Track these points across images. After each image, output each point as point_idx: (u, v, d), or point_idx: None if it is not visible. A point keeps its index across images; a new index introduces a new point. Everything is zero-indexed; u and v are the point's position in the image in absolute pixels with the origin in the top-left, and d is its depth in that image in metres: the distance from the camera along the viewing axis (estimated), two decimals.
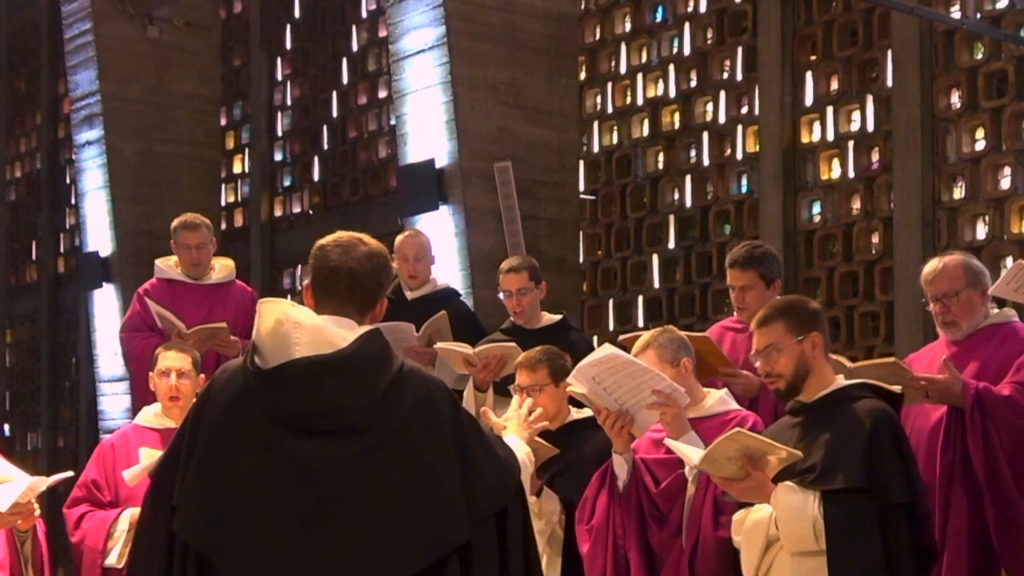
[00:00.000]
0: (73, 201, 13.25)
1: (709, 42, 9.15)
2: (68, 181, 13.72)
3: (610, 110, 9.67)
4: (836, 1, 8.59)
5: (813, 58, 8.62)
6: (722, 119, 9.06)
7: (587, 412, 5.46)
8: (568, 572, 5.25)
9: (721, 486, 4.41)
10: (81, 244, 12.39)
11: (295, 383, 3.12)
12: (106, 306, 11.85)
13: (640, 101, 9.52)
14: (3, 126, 15.04)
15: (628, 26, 9.64)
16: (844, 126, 8.46)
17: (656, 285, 9.31)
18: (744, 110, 8.97)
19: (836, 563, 4.09)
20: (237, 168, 12.39)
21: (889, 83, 8.18)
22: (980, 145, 7.86)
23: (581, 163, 9.57)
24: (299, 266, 11.61)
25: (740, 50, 8.99)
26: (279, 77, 11.94)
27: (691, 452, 4.41)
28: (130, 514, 5.75)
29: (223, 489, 3.11)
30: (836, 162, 8.53)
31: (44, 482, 5.35)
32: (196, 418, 3.21)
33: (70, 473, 5.80)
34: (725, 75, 9.11)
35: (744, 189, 8.98)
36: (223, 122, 12.46)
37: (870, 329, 8.20)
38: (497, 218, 8.71)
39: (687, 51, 9.29)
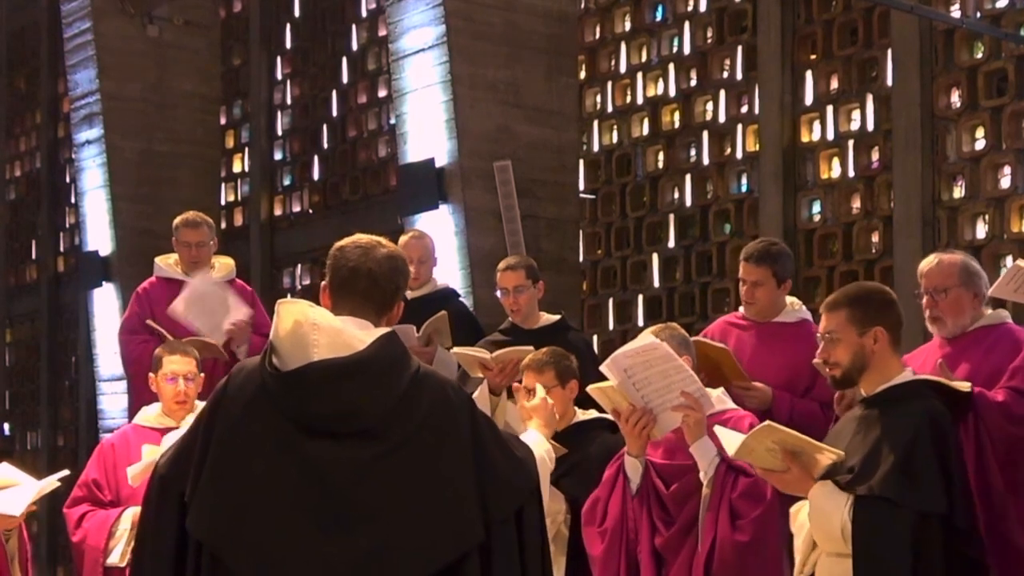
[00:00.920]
0: (73, 200, 13.25)
1: (709, 41, 9.16)
2: (68, 180, 13.73)
3: (610, 109, 9.67)
4: (836, 0, 8.59)
5: (813, 57, 8.62)
6: (722, 118, 9.06)
7: (592, 414, 5.46)
8: (572, 571, 5.25)
9: (763, 477, 4.38)
10: (81, 243, 12.39)
11: (313, 386, 3.12)
12: (106, 305, 11.84)
13: (640, 100, 9.52)
14: (3, 125, 15.04)
15: (628, 25, 9.64)
16: (844, 125, 8.46)
17: (656, 284, 9.31)
18: (744, 109, 8.97)
19: (860, 570, 4.00)
20: (237, 167, 12.39)
21: (889, 82, 8.18)
22: (980, 144, 7.86)
23: (581, 162, 9.57)
24: (298, 265, 11.61)
25: (740, 49, 8.99)
26: (279, 76, 11.94)
27: (731, 440, 4.35)
28: (132, 513, 5.75)
29: (239, 489, 3.11)
30: (836, 161, 8.53)
31: (51, 484, 5.39)
32: (211, 416, 3.21)
33: (67, 472, 5.82)
34: (725, 74, 9.12)
35: (744, 188, 8.98)
36: (223, 121, 12.46)
37: None
38: (497, 217, 8.71)
39: (687, 50, 9.29)
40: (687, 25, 9.29)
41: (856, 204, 8.39)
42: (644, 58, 9.53)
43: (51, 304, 14.01)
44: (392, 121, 10.11)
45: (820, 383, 5.73)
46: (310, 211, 11.60)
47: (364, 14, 11.15)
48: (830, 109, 8.50)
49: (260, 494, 3.09)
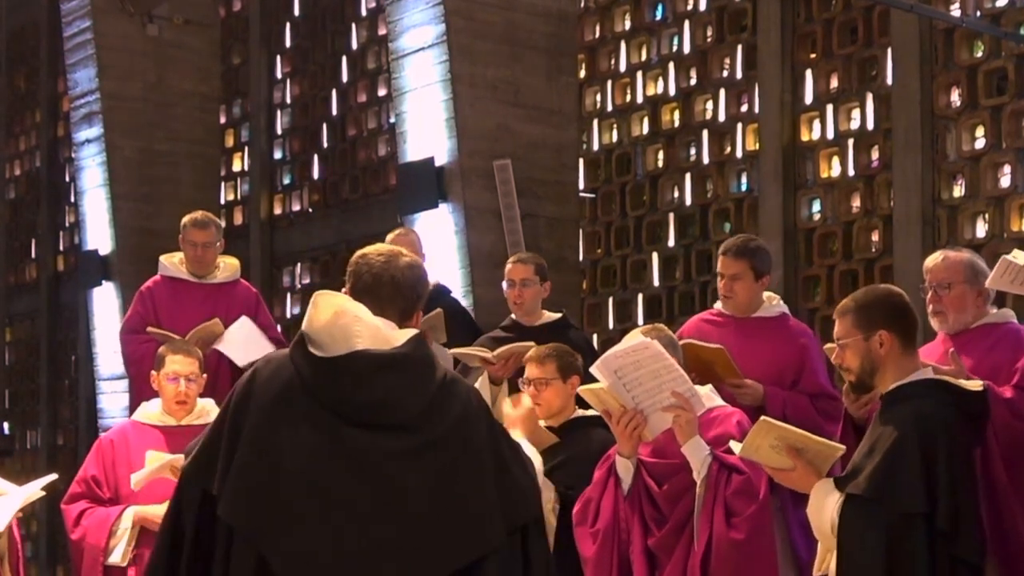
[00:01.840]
0: (72, 199, 13.25)
1: (709, 40, 9.15)
2: (67, 179, 13.73)
3: (610, 108, 9.67)
4: None
5: (813, 56, 8.62)
6: (722, 117, 9.06)
7: (592, 411, 5.46)
8: (558, 563, 5.25)
9: (772, 476, 4.39)
10: (80, 242, 12.39)
11: (359, 374, 3.16)
12: (105, 304, 11.85)
13: (640, 99, 9.51)
14: (3, 124, 15.04)
15: (628, 24, 9.64)
16: (844, 124, 8.45)
17: (656, 283, 9.31)
18: (744, 108, 8.96)
19: (840, 567, 4.04)
20: (237, 166, 12.39)
21: (889, 81, 8.18)
22: (980, 143, 7.86)
23: (581, 161, 9.57)
24: (298, 264, 11.61)
25: (740, 48, 8.99)
26: (279, 75, 11.94)
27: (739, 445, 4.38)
28: (133, 512, 5.75)
29: (274, 475, 3.12)
30: (836, 160, 8.53)
31: (37, 492, 5.39)
32: (238, 408, 3.21)
33: (54, 476, 5.81)
34: (725, 73, 9.11)
35: (744, 187, 8.98)
36: (223, 120, 12.47)
37: None
38: (497, 216, 8.71)
39: (687, 49, 9.29)
40: (687, 24, 9.29)
41: (856, 203, 8.38)
42: (644, 57, 9.53)
43: (51, 303, 14.01)
44: (392, 120, 10.11)
45: (806, 376, 5.77)
46: (310, 210, 11.60)
47: (364, 13, 11.15)
48: (830, 108, 8.50)
49: (296, 480, 3.11)
